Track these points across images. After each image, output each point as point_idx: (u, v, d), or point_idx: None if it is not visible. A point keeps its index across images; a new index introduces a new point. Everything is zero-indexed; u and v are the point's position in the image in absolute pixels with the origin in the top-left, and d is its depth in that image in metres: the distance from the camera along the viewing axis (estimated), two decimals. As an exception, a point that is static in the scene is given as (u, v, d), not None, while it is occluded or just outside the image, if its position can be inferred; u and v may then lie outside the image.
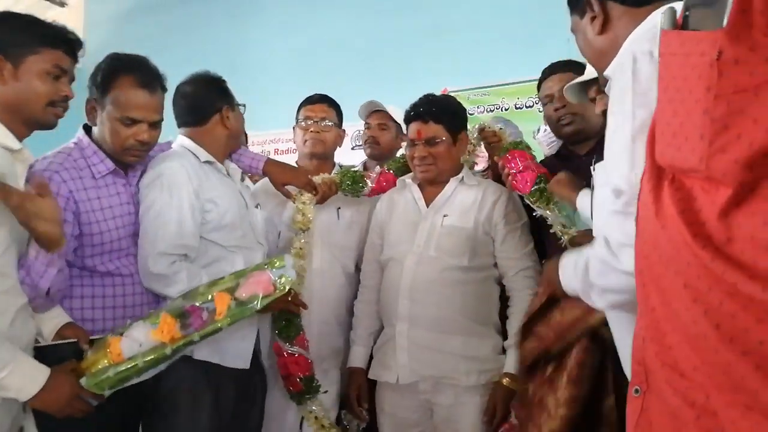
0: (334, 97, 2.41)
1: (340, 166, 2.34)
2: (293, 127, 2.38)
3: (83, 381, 1.42)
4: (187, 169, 1.75)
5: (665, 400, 0.71)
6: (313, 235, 2.09)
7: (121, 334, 1.49)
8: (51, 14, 5.67)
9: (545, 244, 1.98)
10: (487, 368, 1.89)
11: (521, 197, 1.94)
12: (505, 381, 1.85)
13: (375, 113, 2.63)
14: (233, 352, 1.75)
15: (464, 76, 4.38)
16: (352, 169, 2.24)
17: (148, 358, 1.47)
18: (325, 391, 2.06)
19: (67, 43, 1.48)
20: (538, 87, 2.14)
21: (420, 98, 2.03)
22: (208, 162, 1.84)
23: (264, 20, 5.29)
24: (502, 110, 4.37)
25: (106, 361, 1.44)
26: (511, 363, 1.86)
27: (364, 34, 4.79)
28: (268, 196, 2.21)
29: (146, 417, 1.72)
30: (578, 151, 2.06)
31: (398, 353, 1.92)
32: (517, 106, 4.29)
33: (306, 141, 2.29)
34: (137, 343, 1.47)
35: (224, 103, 1.89)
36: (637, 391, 0.78)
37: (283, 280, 1.61)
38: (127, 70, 1.64)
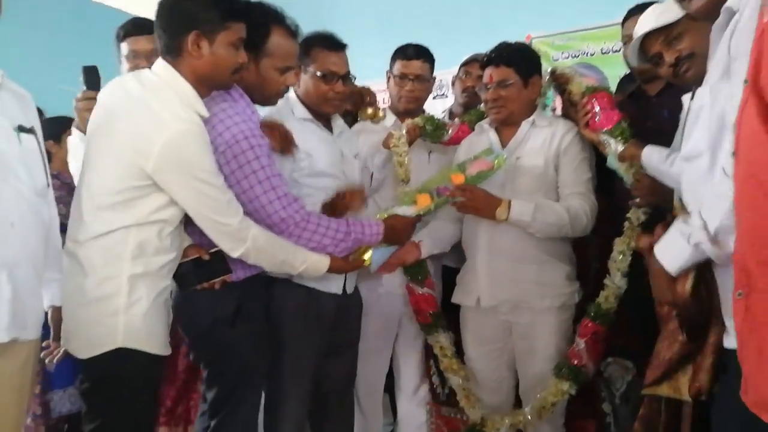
0: (418, 47, 2.47)
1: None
2: (387, 75, 2.48)
3: (374, 251, 1.95)
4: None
5: (764, 292, 0.88)
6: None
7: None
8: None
9: (614, 195, 2.10)
10: (559, 293, 2.07)
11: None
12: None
13: (477, 63, 2.56)
14: (326, 279, 1.95)
15: (548, 22, 4.31)
16: (435, 117, 2.39)
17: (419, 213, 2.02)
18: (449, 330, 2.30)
19: (246, 14, 1.63)
20: (622, 25, 2.23)
21: (494, 46, 2.15)
22: (304, 119, 2.03)
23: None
24: (587, 56, 4.28)
25: None
26: (515, 208, 1.97)
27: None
28: (368, 137, 2.38)
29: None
30: (649, 91, 2.18)
31: (480, 280, 2.12)
32: (603, 50, 4.18)
33: (401, 98, 2.42)
34: (407, 215, 2.00)
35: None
36: (740, 294, 0.94)
37: (497, 158, 2.02)
38: (277, 21, 1.79)
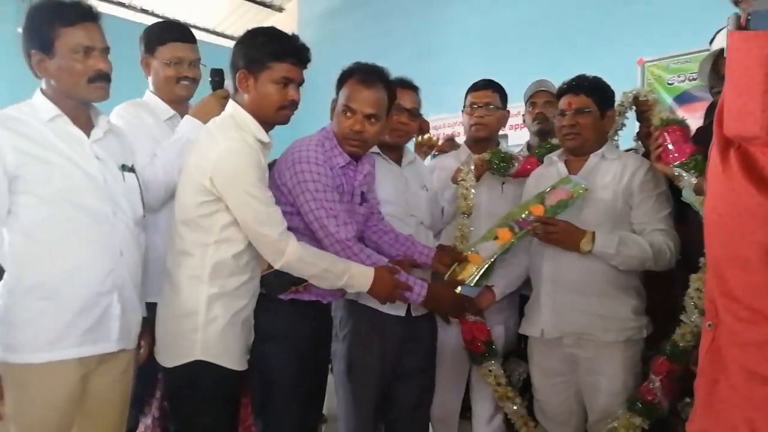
0: (525, 75, 2.59)
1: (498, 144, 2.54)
2: (461, 112, 2.58)
3: (463, 289, 2.00)
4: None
5: (724, 323, 0.91)
6: (478, 210, 2.35)
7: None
8: (272, 20, 6.51)
9: (688, 226, 2.02)
10: (625, 326, 2.01)
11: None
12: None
13: (541, 93, 2.73)
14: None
15: (661, 44, 4.19)
16: (503, 151, 2.43)
17: (500, 252, 2.06)
18: (501, 356, 2.32)
19: (294, 55, 1.78)
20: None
21: (573, 77, 2.16)
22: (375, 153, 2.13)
23: (455, 2, 5.46)
24: (705, 78, 4.07)
25: (474, 268, 2.05)
26: (599, 240, 1.96)
27: (555, 7, 4.77)
28: (441, 173, 2.51)
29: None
30: None
31: (543, 311, 2.11)
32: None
33: (471, 126, 2.51)
34: (491, 252, 2.06)
35: None
36: (710, 325, 0.96)
37: (575, 187, 2.03)
38: (354, 72, 1.93)
